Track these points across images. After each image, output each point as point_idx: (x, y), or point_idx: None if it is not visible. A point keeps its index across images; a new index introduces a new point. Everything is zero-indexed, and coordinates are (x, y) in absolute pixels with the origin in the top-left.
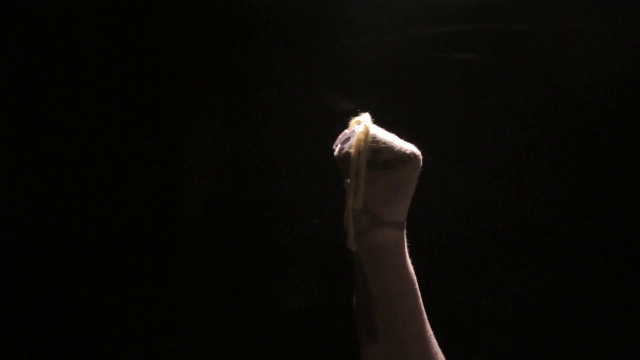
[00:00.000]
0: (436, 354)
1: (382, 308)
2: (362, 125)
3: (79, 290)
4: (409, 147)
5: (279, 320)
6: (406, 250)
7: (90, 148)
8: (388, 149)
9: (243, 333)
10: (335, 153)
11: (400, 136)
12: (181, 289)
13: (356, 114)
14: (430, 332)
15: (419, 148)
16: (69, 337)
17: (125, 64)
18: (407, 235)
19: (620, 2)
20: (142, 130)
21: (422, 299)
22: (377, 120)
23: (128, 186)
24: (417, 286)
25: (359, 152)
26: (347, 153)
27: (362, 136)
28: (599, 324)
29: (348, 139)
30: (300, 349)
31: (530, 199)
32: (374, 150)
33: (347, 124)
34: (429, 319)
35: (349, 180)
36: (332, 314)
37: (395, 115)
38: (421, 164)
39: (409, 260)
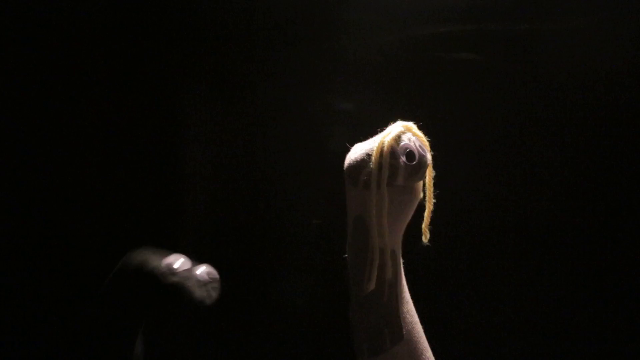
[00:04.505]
0: None
1: (404, 306)
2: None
3: (79, 291)
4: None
5: (279, 320)
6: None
7: (90, 149)
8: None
9: (243, 333)
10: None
11: None
12: None
13: (356, 114)
14: None
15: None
16: (70, 336)
17: (124, 64)
18: (405, 236)
19: (620, 2)
20: (141, 131)
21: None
22: (377, 121)
23: (129, 187)
24: None
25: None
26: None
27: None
28: (599, 325)
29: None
30: (300, 349)
31: (530, 199)
32: None
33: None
34: (428, 320)
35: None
36: (332, 314)
37: (395, 115)
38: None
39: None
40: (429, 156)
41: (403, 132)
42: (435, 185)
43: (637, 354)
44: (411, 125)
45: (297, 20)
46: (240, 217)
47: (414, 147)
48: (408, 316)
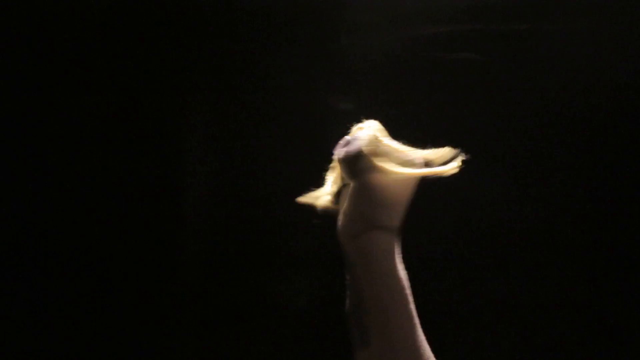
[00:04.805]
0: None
1: (374, 312)
2: (368, 129)
3: (79, 291)
4: (414, 155)
5: (279, 320)
6: (399, 255)
7: (90, 149)
8: (391, 153)
9: (243, 332)
10: (339, 156)
11: (400, 136)
12: (182, 289)
13: (356, 114)
14: (423, 337)
15: (419, 148)
16: (72, 337)
17: (125, 64)
18: (406, 238)
19: (620, 2)
20: (142, 132)
21: (420, 302)
22: (378, 120)
23: (129, 188)
24: (408, 291)
25: (359, 155)
26: (351, 156)
27: (366, 141)
28: (599, 328)
29: (349, 142)
30: (300, 349)
31: (530, 199)
32: (376, 153)
33: (349, 129)
34: (425, 322)
35: (349, 183)
36: (332, 314)
37: (395, 115)
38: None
39: (401, 266)
40: (352, 148)
41: (357, 130)
42: (433, 184)
43: (638, 354)
44: (372, 123)
45: (297, 20)
46: (240, 217)
47: (347, 145)
48: (383, 326)
